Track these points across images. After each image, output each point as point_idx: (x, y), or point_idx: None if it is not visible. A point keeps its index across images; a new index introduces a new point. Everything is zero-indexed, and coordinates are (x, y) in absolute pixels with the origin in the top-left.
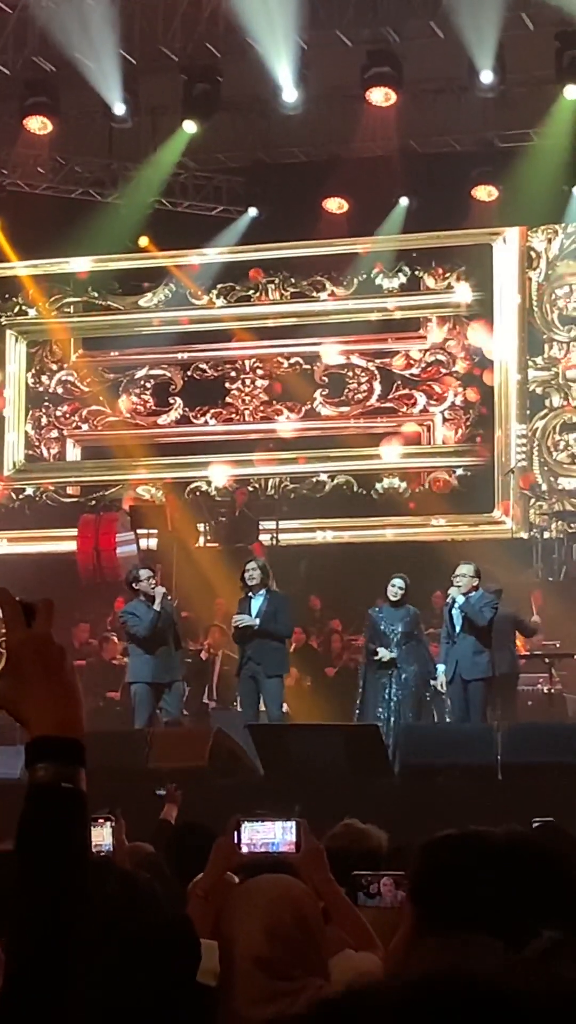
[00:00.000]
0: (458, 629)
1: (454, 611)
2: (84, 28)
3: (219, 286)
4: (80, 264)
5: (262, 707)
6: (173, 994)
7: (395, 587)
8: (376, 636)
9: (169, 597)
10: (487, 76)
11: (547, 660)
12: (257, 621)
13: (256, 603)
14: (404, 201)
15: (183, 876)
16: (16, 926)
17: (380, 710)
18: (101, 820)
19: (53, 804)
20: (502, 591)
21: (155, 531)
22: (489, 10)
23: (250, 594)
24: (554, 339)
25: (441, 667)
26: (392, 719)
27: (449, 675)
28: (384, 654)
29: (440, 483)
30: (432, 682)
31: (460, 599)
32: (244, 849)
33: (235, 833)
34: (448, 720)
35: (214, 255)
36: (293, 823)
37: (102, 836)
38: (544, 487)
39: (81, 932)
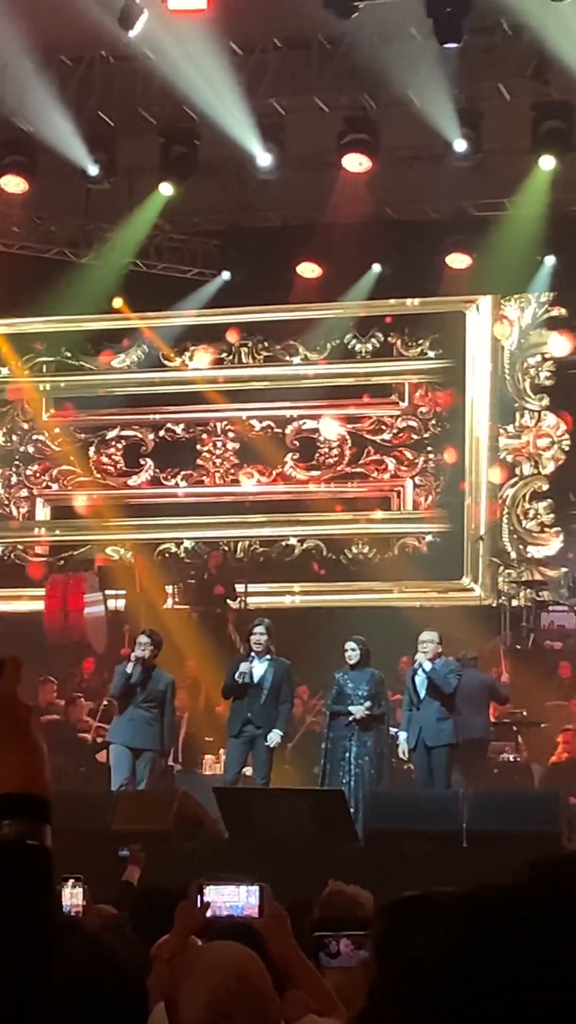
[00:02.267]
0: (423, 695)
1: (418, 677)
2: (62, 89)
3: (192, 348)
4: (54, 324)
5: (246, 771)
6: None
7: (349, 650)
8: (341, 699)
9: (139, 662)
10: (461, 145)
11: (515, 728)
12: (364, 710)
13: (261, 666)
14: (376, 268)
15: (147, 939)
16: None
17: (341, 774)
18: (72, 881)
19: (18, 860)
20: (477, 658)
21: (123, 592)
22: (466, 80)
23: (253, 656)
24: (525, 407)
25: (403, 734)
26: (353, 783)
27: (412, 742)
28: (357, 710)
29: (410, 548)
30: (398, 746)
31: (427, 665)
32: (208, 912)
33: (197, 897)
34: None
35: (188, 317)
36: (256, 887)
37: (73, 897)
38: (513, 555)
39: (44, 992)
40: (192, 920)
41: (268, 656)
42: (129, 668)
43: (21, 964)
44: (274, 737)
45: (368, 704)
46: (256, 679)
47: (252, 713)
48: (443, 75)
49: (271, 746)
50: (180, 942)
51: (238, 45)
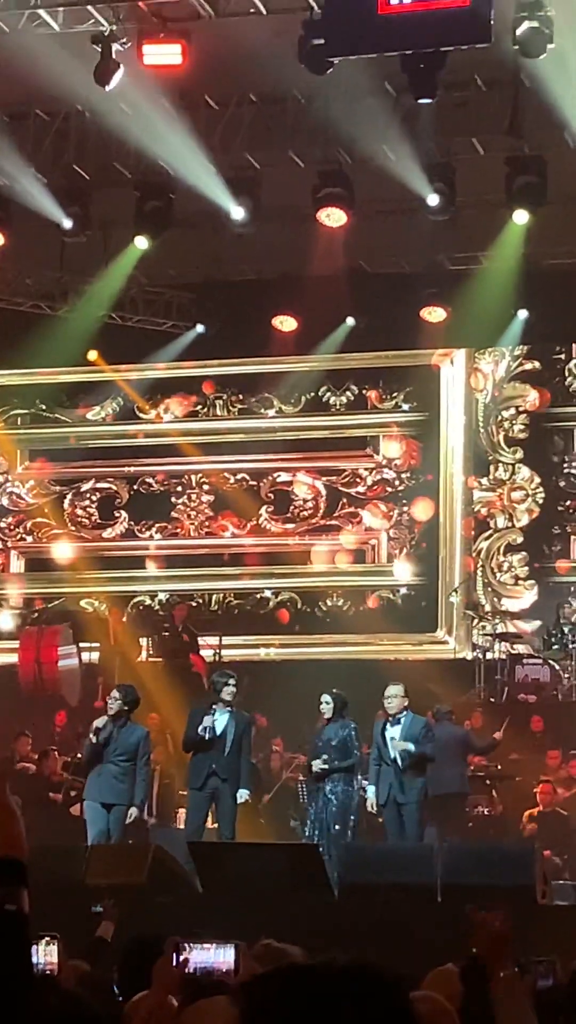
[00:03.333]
0: (392, 754)
1: (386, 733)
2: (37, 143)
3: (166, 400)
4: (29, 377)
5: (210, 824)
6: None
7: (323, 703)
8: (315, 753)
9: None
10: (434, 199)
11: (488, 782)
12: (322, 763)
13: (222, 718)
14: (350, 321)
15: (124, 995)
16: None
17: (307, 827)
18: (47, 939)
19: None
20: (452, 712)
21: (97, 644)
22: (440, 135)
23: (214, 708)
24: (499, 460)
25: (371, 788)
26: (316, 836)
27: (383, 798)
28: (316, 764)
29: (384, 601)
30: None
31: (395, 733)
32: (186, 970)
33: (174, 955)
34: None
35: (162, 370)
36: (232, 947)
37: (47, 955)
38: (488, 607)
39: None
40: (169, 978)
41: (229, 708)
42: (93, 739)
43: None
44: (243, 794)
45: (325, 757)
46: (219, 731)
47: (217, 765)
48: (417, 130)
49: (240, 803)
50: (158, 999)
51: (213, 100)
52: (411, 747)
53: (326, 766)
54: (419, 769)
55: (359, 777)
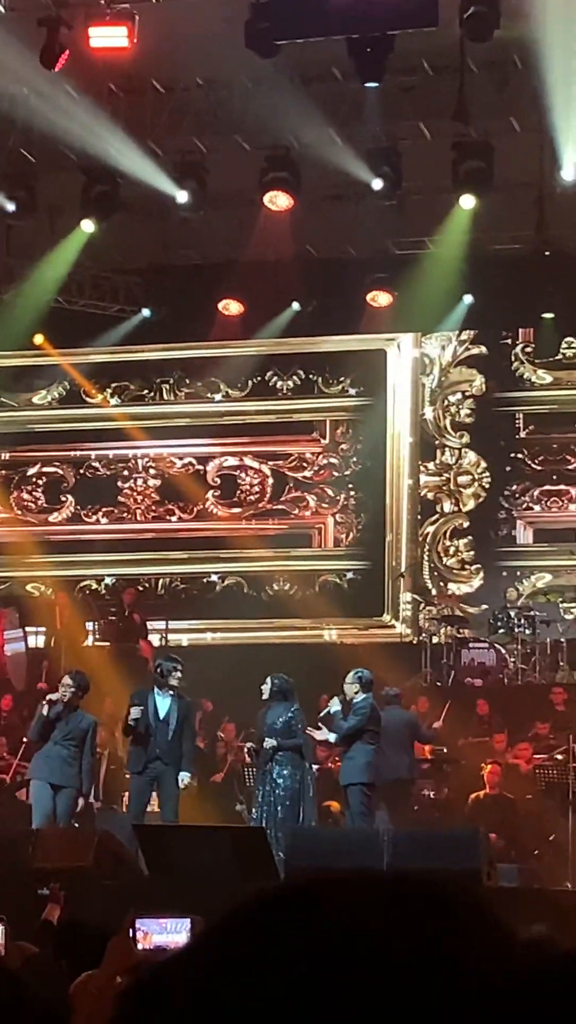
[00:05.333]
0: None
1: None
2: None
3: (113, 385)
4: None
5: (152, 808)
6: None
7: (265, 686)
8: (260, 734)
9: (59, 702)
10: (379, 184)
11: (434, 766)
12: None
13: (164, 702)
14: (296, 305)
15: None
16: None
17: (254, 810)
18: None
19: None
20: (400, 695)
21: (43, 629)
22: (387, 119)
23: (157, 689)
24: (446, 445)
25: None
26: (264, 818)
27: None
28: (268, 743)
29: (331, 585)
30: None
31: (335, 707)
32: (140, 946)
33: (131, 931)
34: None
35: (109, 354)
36: (187, 920)
37: None
38: (434, 592)
39: None
40: (124, 954)
41: (171, 693)
42: (45, 710)
43: None
44: (184, 778)
45: (268, 740)
46: (162, 716)
47: (160, 749)
48: (364, 114)
49: (182, 786)
50: (109, 977)
51: (160, 84)
52: (331, 739)
53: (277, 745)
54: (360, 748)
55: (307, 764)
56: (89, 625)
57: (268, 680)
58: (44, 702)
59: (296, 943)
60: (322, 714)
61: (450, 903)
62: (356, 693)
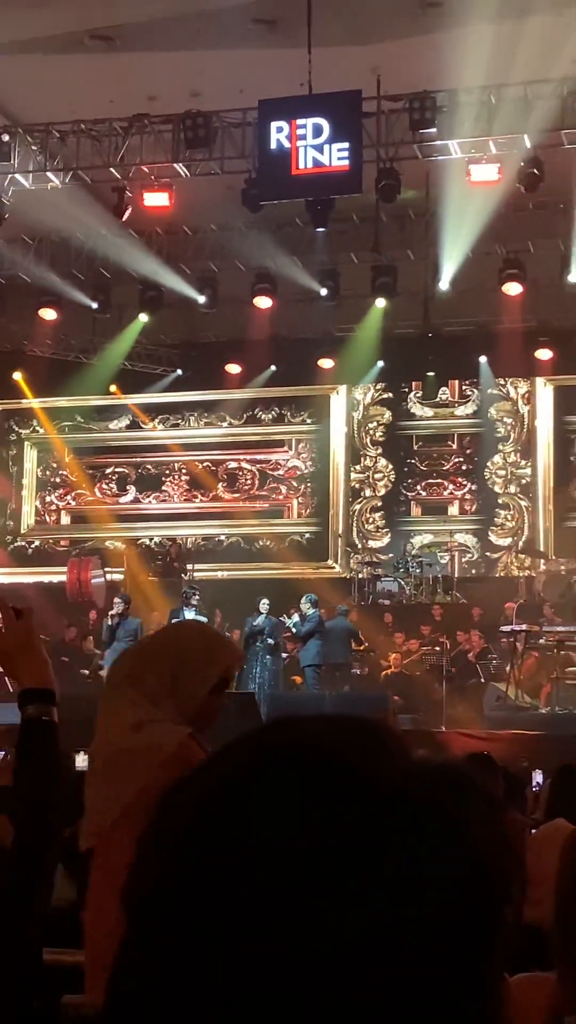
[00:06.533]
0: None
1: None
2: (76, 261)
3: (159, 417)
4: (74, 401)
5: None
6: None
7: (261, 604)
8: (253, 635)
9: (125, 615)
10: (325, 292)
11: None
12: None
13: (190, 614)
14: (273, 367)
15: None
16: (20, 800)
17: (252, 683)
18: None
19: (38, 729)
20: (348, 611)
21: (116, 570)
22: (330, 251)
23: (183, 606)
24: (366, 455)
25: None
26: (257, 689)
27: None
28: (261, 642)
29: (295, 542)
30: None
31: (295, 619)
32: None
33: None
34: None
35: (156, 397)
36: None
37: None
38: (360, 546)
39: (56, 802)
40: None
41: (194, 608)
42: (110, 621)
43: (45, 785)
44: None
45: (270, 641)
46: None
47: None
48: (316, 247)
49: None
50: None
51: (188, 228)
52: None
53: (274, 642)
54: (313, 643)
55: (281, 654)
56: (145, 567)
57: (265, 600)
58: (107, 616)
59: (274, 754)
60: (291, 621)
61: (376, 726)
62: (309, 608)
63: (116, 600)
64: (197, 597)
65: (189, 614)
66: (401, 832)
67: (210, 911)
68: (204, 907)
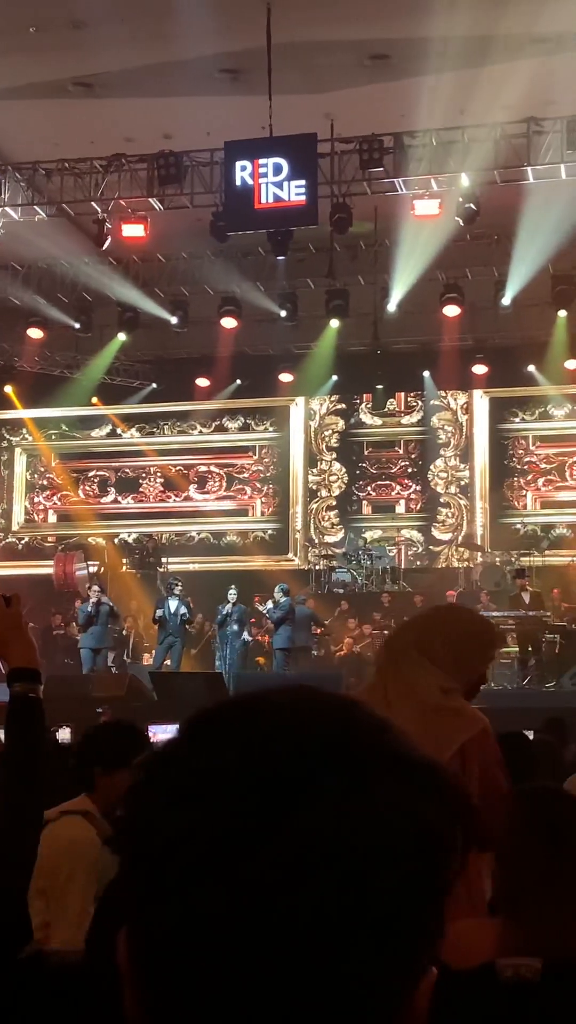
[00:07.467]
0: (271, 619)
1: (263, 608)
2: (62, 287)
3: (136, 426)
4: (59, 411)
5: (167, 663)
6: None
7: (229, 593)
8: (224, 621)
9: (101, 601)
10: (284, 313)
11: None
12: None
13: (173, 602)
14: (238, 381)
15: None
16: (8, 768)
17: (220, 663)
18: (64, 726)
19: (24, 705)
20: (307, 599)
21: (97, 563)
22: (289, 277)
23: (167, 596)
24: (322, 459)
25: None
26: (227, 668)
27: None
28: (230, 627)
29: (259, 538)
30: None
31: (270, 606)
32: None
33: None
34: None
35: (133, 409)
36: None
37: (64, 736)
38: (317, 541)
39: (42, 771)
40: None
41: (176, 596)
42: (89, 607)
43: (30, 757)
44: (177, 645)
45: (237, 627)
46: (172, 610)
47: (172, 629)
48: (276, 273)
49: (181, 650)
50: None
51: (162, 255)
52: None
53: (240, 628)
54: (283, 629)
55: (247, 638)
56: (124, 560)
57: (233, 591)
58: (88, 603)
59: (239, 725)
60: (266, 608)
61: (341, 699)
62: (280, 597)
63: (94, 588)
64: (180, 587)
65: (173, 602)
66: (341, 772)
67: (179, 855)
68: (177, 850)
